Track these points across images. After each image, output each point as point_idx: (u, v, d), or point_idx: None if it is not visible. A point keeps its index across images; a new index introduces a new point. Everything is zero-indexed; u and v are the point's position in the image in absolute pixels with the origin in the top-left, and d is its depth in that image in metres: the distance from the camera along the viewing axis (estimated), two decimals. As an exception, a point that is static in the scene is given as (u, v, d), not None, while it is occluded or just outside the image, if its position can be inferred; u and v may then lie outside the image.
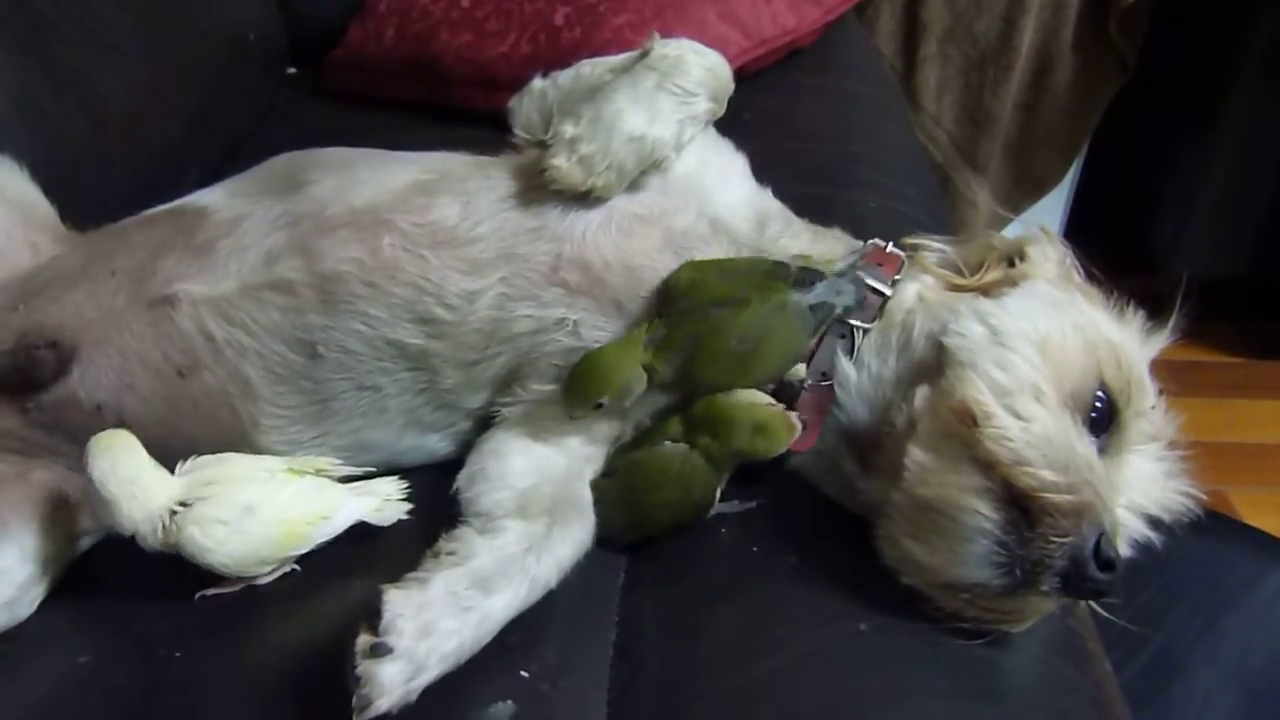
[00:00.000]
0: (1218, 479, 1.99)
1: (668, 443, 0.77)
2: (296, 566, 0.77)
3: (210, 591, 0.75)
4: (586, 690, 0.69)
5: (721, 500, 0.79)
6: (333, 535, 0.76)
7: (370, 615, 0.63)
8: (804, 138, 1.43)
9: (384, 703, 0.61)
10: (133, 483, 0.71)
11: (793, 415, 0.77)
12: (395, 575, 0.67)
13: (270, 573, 0.76)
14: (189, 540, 0.71)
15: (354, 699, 0.61)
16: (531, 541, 0.70)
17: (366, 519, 0.77)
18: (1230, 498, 1.98)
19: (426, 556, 0.69)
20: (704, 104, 0.84)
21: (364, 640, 0.62)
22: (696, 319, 0.76)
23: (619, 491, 0.78)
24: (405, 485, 0.80)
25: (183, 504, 0.72)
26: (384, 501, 0.79)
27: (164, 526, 0.71)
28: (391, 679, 0.61)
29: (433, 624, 0.64)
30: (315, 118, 1.58)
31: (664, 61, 0.83)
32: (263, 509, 0.73)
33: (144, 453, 0.73)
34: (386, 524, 0.78)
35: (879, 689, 0.67)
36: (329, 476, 0.78)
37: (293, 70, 1.75)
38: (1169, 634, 1.43)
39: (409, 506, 0.79)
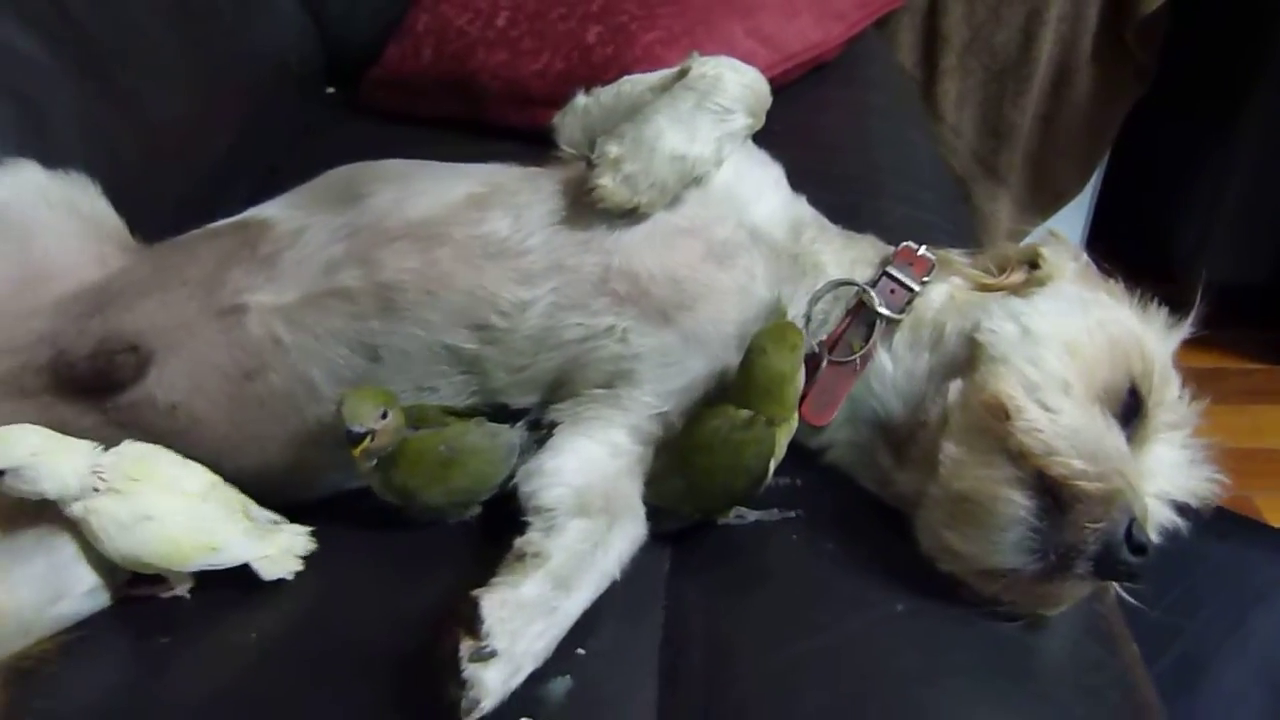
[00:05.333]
0: (1242, 484, 1.99)
1: (726, 413, 0.79)
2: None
3: (132, 591, 0.80)
4: (637, 668, 0.73)
5: (761, 510, 0.83)
6: (217, 568, 0.78)
7: (468, 621, 0.66)
8: (830, 149, 1.46)
9: (488, 704, 0.65)
10: (45, 451, 0.74)
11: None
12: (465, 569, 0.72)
13: (183, 584, 0.79)
14: (87, 525, 0.75)
15: (462, 701, 0.64)
16: (596, 539, 0.74)
17: (251, 565, 0.78)
18: (1255, 502, 1.99)
19: (508, 559, 0.73)
20: (742, 120, 0.87)
21: (468, 645, 0.65)
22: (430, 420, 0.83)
23: (674, 456, 0.81)
24: (310, 541, 0.81)
25: (101, 479, 0.75)
26: (281, 552, 0.80)
27: (82, 494, 0.74)
28: (494, 681, 0.65)
29: (526, 625, 0.68)
30: (353, 135, 1.63)
31: (702, 81, 0.86)
32: (159, 522, 0.76)
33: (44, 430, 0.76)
34: (267, 577, 0.79)
35: (915, 667, 0.70)
36: (245, 513, 0.80)
37: (330, 90, 1.81)
38: (1195, 634, 1.44)
39: (298, 566, 0.80)
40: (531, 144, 1.04)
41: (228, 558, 0.78)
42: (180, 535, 0.76)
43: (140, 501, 0.76)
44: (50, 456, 0.74)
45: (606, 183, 0.83)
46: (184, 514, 0.77)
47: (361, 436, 0.78)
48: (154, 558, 0.76)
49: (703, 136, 0.85)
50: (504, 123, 1.51)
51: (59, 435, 0.76)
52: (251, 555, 0.79)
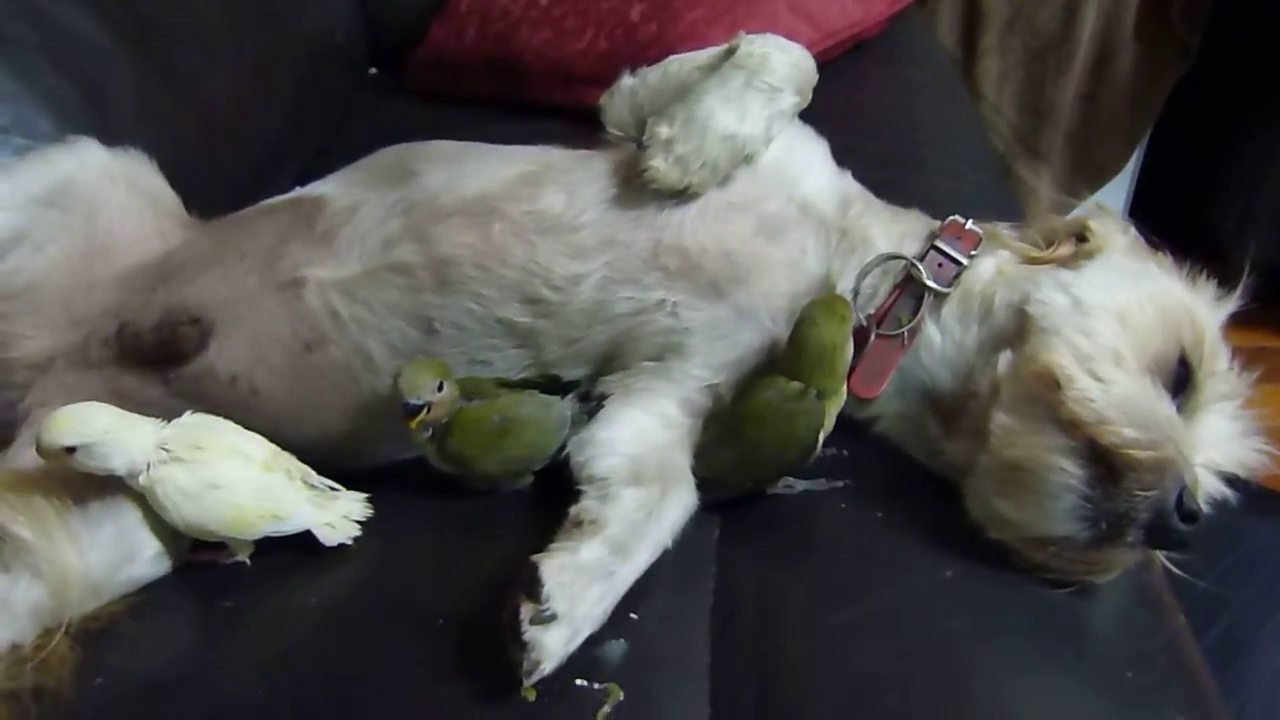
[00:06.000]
0: (1286, 464, 1.99)
1: (777, 384, 0.80)
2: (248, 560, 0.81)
3: (195, 557, 0.82)
4: (690, 631, 0.74)
5: (809, 479, 0.84)
6: (280, 535, 0.80)
7: (528, 586, 0.68)
8: (872, 125, 1.47)
9: (548, 665, 0.66)
10: (115, 428, 0.75)
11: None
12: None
13: (244, 551, 0.81)
14: (153, 495, 0.77)
15: (524, 663, 0.66)
16: (650, 507, 0.75)
17: (314, 531, 0.80)
18: (1299, 482, 1.98)
19: (565, 527, 0.74)
20: (790, 98, 0.88)
21: (528, 609, 0.66)
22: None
23: (725, 427, 0.83)
24: (367, 507, 0.83)
25: (165, 449, 0.77)
26: (340, 519, 0.82)
27: (149, 466, 0.76)
28: (555, 643, 0.66)
29: (584, 590, 0.69)
30: (399, 115, 1.65)
31: (750, 60, 0.87)
32: (225, 490, 0.77)
33: (113, 409, 0.77)
34: (329, 543, 0.81)
35: (964, 630, 0.71)
36: (304, 481, 0.82)
37: (374, 70, 1.84)
38: (1238, 613, 1.44)
39: (357, 532, 0.82)
40: (576, 122, 1.05)
41: (292, 525, 0.80)
42: (246, 503, 0.78)
43: (206, 470, 0.78)
44: (120, 434, 0.76)
45: (659, 164, 0.84)
46: (249, 482, 0.79)
47: (418, 409, 0.79)
48: (220, 525, 0.78)
49: (753, 116, 0.86)
50: (548, 101, 1.52)
51: (126, 413, 0.78)
52: (314, 522, 0.80)
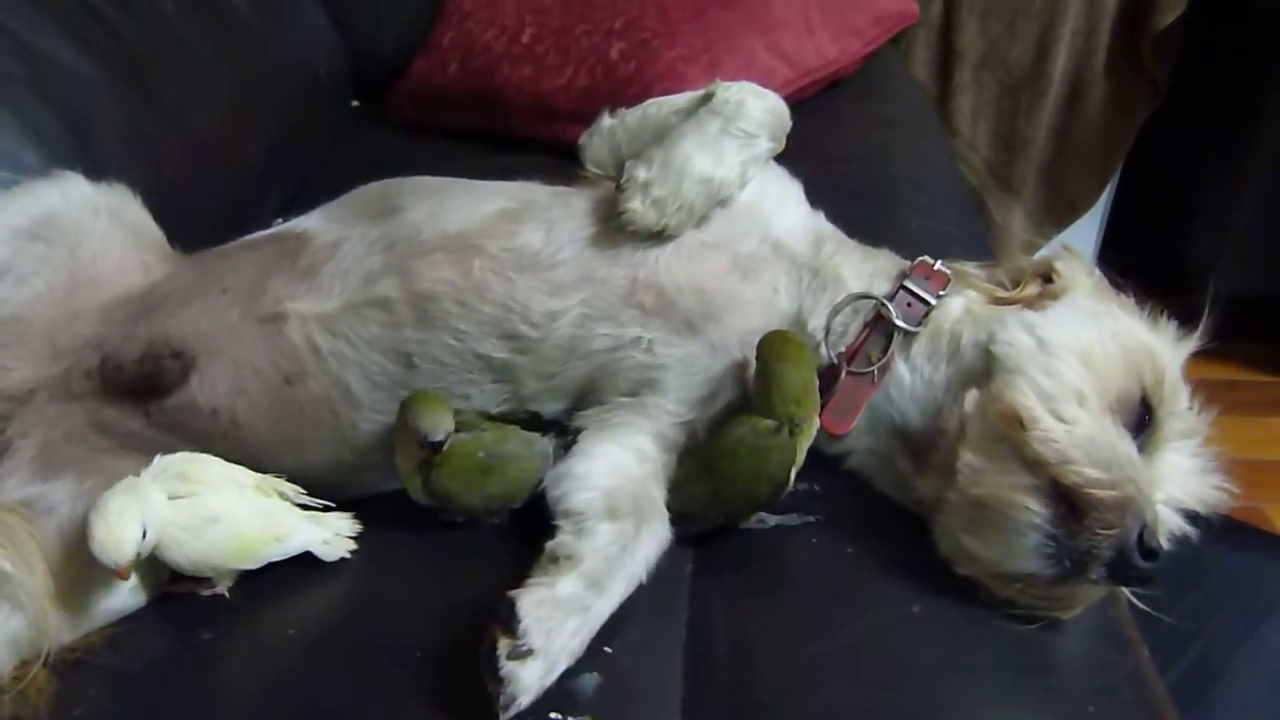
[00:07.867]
0: (1253, 495, 2.02)
1: (751, 421, 0.82)
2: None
3: (173, 589, 0.82)
4: (663, 664, 0.75)
5: (781, 514, 0.85)
6: (282, 557, 0.81)
7: (506, 620, 0.69)
8: (847, 162, 1.49)
9: (525, 700, 0.68)
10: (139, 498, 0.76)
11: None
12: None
13: (225, 582, 0.81)
14: (157, 541, 0.77)
15: (500, 698, 0.67)
16: (625, 542, 0.77)
17: (314, 550, 0.82)
18: (1267, 513, 2.01)
19: (541, 561, 0.76)
20: (765, 144, 0.90)
21: (505, 644, 0.68)
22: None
23: (699, 463, 0.84)
24: (357, 524, 0.85)
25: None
26: (334, 535, 0.83)
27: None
28: (531, 677, 0.68)
29: (560, 624, 0.70)
30: (381, 147, 1.67)
31: (726, 106, 0.89)
32: (225, 521, 0.78)
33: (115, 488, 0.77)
34: (330, 559, 0.83)
35: (933, 664, 0.73)
36: (290, 502, 0.83)
37: (356, 103, 1.85)
38: (1208, 643, 1.46)
39: (353, 546, 0.84)
40: (557, 156, 1.07)
41: (293, 545, 0.81)
42: (248, 531, 0.79)
43: (202, 504, 0.78)
44: (147, 500, 0.76)
45: (636, 206, 0.86)
46: (246, 509, 0.80)
47: (441, 444, 0.81)
48: (225, 558, 0.79)
49: (729, 160, 0.88)
50: (529, 136, 1.54)
51: (125, 483, 0.77)
52: (314, 540, 0.82)
